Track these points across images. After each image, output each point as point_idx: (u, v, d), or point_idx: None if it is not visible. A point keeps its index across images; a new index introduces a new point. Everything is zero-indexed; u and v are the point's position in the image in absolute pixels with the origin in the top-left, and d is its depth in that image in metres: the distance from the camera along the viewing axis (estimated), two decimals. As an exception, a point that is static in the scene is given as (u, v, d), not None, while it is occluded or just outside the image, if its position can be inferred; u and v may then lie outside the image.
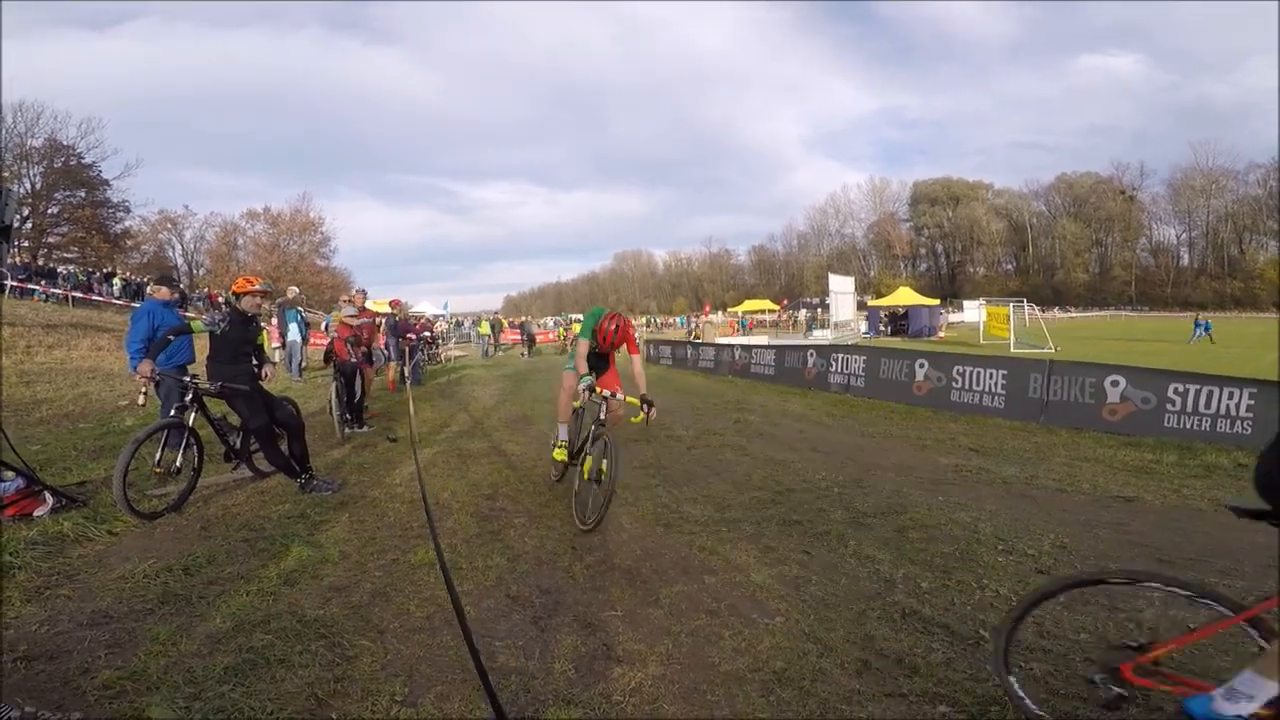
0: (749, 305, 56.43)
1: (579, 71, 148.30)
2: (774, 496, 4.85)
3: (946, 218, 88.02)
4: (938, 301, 42.04)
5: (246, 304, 4.98)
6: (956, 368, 9.16)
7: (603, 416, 4.28)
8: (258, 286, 5.04)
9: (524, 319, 41.19)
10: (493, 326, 27.65)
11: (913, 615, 2.92)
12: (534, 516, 4.40)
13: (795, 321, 45.50)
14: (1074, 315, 59.41)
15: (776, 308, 55.07)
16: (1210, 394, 6.65)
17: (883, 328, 34.85)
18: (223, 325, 4.80)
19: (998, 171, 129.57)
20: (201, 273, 54.69)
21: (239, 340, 4.89)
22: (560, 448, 4.73)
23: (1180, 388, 6.85)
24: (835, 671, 2.48)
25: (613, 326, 4.47)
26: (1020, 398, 8.26)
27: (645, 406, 4.12)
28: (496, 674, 2.47)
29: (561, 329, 35.08)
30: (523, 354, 24.88)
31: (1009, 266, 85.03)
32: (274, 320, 14.57)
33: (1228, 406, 6.52)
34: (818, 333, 32.20)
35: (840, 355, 11.56)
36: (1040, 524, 4.14)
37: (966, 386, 8.96)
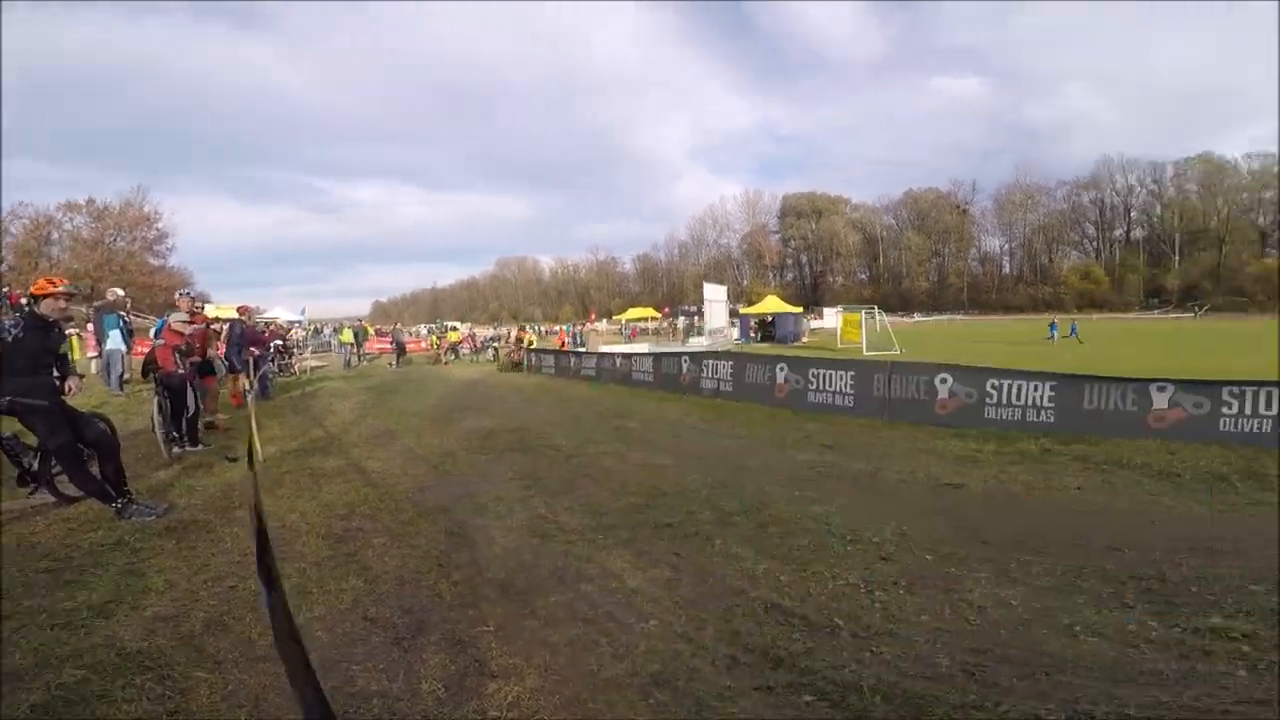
0: (633, 313, 57.31)
1: (465, 69, 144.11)
2: (648, 501, 4.92)
3: (810, 230, 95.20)
4: (801, 309, 44.97)
5: (47, 307, 4.32)
6: (812, 370, 9.83)
7: None
8: (61, 288, 4.38)
9: (395, 325, 38.79)
10: (356, 334, 25.76)
11: (775, 608, 3.07)
12: (395, 535, 4.14)
13: (675, 329, 46.82)
14: (919, 320, 66.49)
15: (659, 315, 56.34)
16: (1020, 387, 7.65)
17: (753, 334, 36.76)
18: (15, 332, 4.13)
19: (862, 187, 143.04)
20: (3, 268, 46.65)
21: (37, 349, 4.24)
22: None
23: (996, 382, 7.82)
24: (707, 669, 2.55)
25: None
26: (866, 397, 9.03)
27: None
28: (355, 699, 2.32)
29: (435, 336, 33.34)
30: (390, 364, 23.34)
31: (863, 276, 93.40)
32: (89, 326, 12.66)
33: (1034, 398, 7.54)
34: (694, 339, 33.29)
35: (710, 361, 12.04)
36: (884, 514, 4.52)
37: (821, 388, 9.64)
